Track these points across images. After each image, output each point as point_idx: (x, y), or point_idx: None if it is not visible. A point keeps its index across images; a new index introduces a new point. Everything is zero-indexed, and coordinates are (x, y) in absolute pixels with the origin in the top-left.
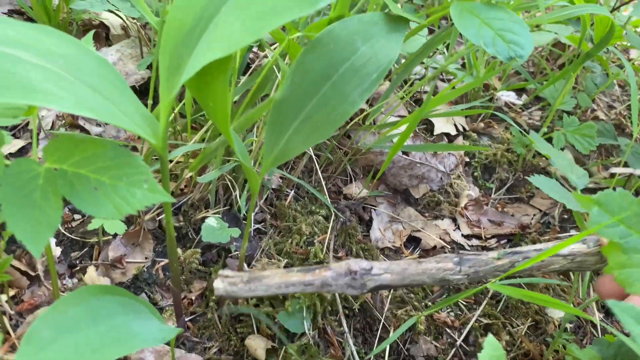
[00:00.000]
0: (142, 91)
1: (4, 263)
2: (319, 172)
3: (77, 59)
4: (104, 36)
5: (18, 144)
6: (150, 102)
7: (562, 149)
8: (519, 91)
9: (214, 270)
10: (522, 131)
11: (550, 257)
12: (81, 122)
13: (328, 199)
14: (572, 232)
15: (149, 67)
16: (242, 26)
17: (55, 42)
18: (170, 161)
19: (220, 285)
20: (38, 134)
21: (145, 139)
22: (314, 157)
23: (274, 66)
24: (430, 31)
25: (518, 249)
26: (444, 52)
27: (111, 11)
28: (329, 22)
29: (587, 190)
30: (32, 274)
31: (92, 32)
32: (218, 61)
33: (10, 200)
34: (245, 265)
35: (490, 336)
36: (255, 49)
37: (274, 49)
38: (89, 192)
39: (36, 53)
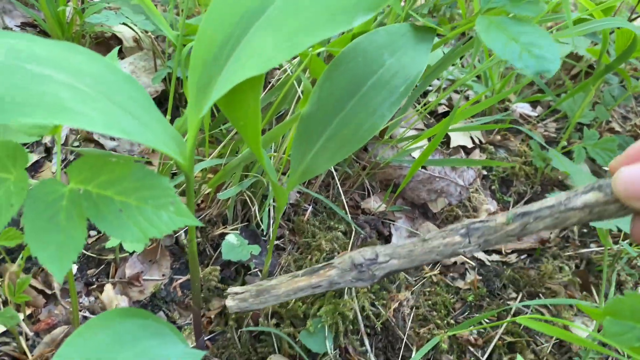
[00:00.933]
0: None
1: (23, 284)
2: (339, 186)
3: (105, 77)
4: (117, 49)
5: (31, 157)
6: (168, 117)
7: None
8: (534, 103)
9: None
10: (542, 145)
11: (565, 212)
12: (95, 137)
13: (348, 215)
14: (592, 246)
15: (164, 79)
16: (275, 45)
17: (84, 60)
18: None
19: (231, 303)
20: (52, 148)
21: (174, 159)
22: (333, 171)
23: (294, 81)
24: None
25: (527, 208)
26: (458, 65)
27: (124, 24)
28: (352, 37)
29: None
30: (49, 292)
31: (116, 49)
32: (250, 80)
33: (33, 222)
34: None
35: (519, 357)
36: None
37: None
38: (114, 215)
39: (65, 71)
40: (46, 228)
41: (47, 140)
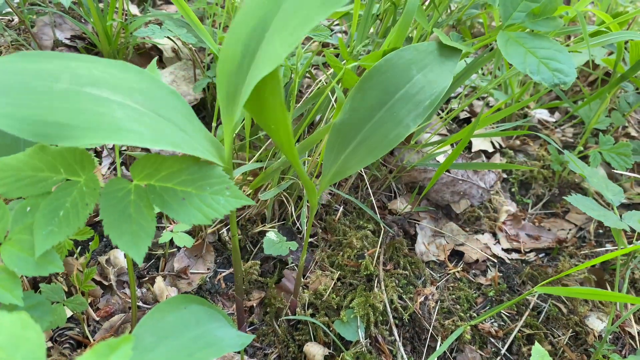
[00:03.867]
0: (195, 111)
1: (89, 273)
2: (368, 188)
3: (153, 93)
4: (157, 59)
5: None
6: (214, 124)
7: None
8: (552, 109)
9: (271, 281)
10: (559, 149)
11: None
12: None
13: (378, 215)
14: (608, 246)
15: (204, 89)
16: (281, 42)
17: (135, 79)
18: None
19: None
20: (102, 152)
21: (214, 163)
22: (363, 174)
23: (329, 93)
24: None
25: None
26: (480, 73)
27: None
28: (383, 54)
29: (621, 207)
30: (106, 283)
31: (155, 59)
32: (269, 86)
33: (109, 216)
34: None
35: (537, 344)
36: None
37: (326, 78)
38: (178, 203)
39: (119, 91)
40: (120, 220)
41: (116, 150)
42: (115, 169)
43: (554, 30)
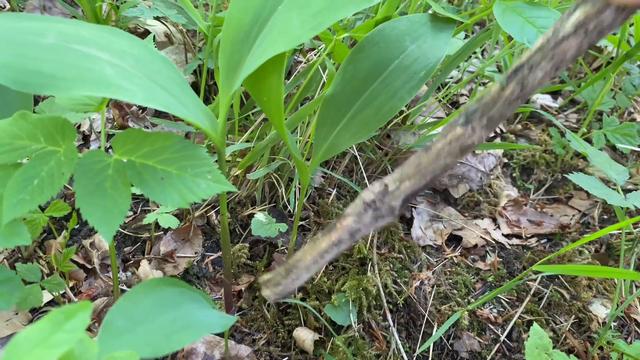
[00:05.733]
0: None
1: (68, 253)
2: (363, 171)
3: (146, 59)
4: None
5: None
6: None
7: (600, 150)
8: (554, 94)
9: (260, 265)
10: (562, 130)
11: (558, 45)
12: (130, 124)
13: None
14: (613, 231)
15: (195, 71)
16: (301, 23)
17: (126, 43)
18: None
19: (267, 292)
20: (90, 136)
21: (207, 133)
22: (357, 156)
23: (319, 67)
24: (465, 37)
25: (516, 63)
26: (479, 56)
27: (157, 18)
28: (375, 24)
29: (626, 192)
30: (89, 267)
31: (152, 35)
32: (274, 57)
33: (83, 189)
34: None
35: (535, 325)
36: (296, 56)
37: (316, 52)
38: (156, 182)
39: (109, 52)
40: (94, 194)
41: (85, 128)
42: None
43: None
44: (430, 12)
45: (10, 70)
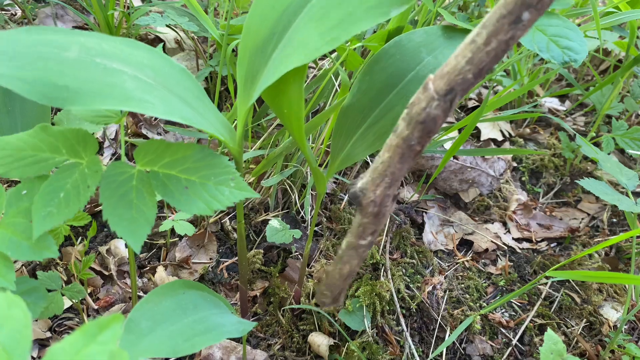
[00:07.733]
0: None
1: (88, 261)
2: None
3: (165, 71)
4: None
5: None
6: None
7: (608, 154)
8: (562, 97)
9: (274, 270)
10: (570, 134)
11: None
12: (144, 131)
13: None
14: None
15: (205, 78)
16: (319, 36)
17: (145, 56)
18: None
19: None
20: (103, 143)
21: (225, 144)
22: (369, 162)
23: (332, 76)
24: None
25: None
26: None
27: (168, 25)
28: (388, 34)
29: (636, 196)
30: (106, 273)
31: (161, 45)
32: (294, 70)
33: (109, 201)
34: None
35: (549, 330)
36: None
37: (326, 58)
38: (180, 192)
39: (130, 65)
40: (120, 205)
41: (98, 135)
42: (117, 158)
43: (563, 9)
44: (443, 23)
45: (38, 85)
